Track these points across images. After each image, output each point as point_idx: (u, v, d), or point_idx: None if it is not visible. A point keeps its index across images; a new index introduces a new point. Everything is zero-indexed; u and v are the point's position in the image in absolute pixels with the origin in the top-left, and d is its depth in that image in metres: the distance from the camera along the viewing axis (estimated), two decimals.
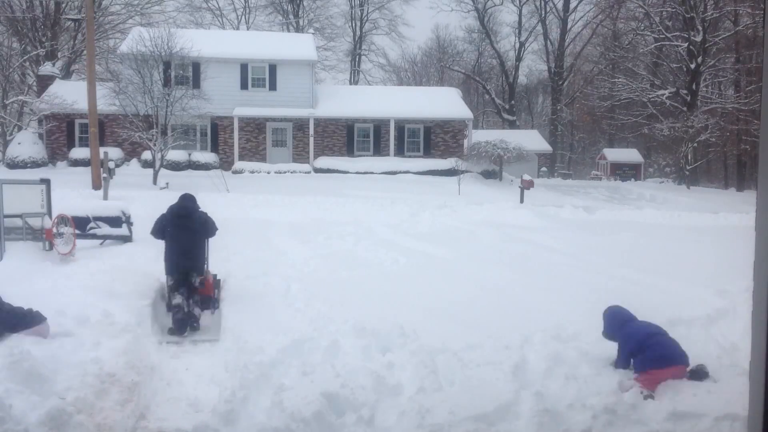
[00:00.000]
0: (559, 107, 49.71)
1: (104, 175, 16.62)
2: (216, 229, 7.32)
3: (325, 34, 51.30)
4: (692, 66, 35.03)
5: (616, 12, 43.60)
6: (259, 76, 28.78)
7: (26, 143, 26.44)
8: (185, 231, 6.97)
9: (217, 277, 7.53)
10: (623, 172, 41.65)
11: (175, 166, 25.92)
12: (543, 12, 51.15)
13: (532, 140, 39.94)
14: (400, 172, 27.30)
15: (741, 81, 38.23)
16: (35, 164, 25.79)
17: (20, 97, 31.12)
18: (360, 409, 4.30)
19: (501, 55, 52.50)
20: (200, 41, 26.33)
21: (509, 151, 27.46)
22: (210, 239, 7.40)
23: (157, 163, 22.88)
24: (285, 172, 26.99)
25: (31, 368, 4.32)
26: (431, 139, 30.10)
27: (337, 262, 9.50)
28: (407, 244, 11.51)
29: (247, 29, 49.54)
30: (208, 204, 8.76)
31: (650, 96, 36.77)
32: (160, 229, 7.09)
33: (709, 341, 5.73)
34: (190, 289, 6.74)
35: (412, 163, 28.16)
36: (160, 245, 7.07)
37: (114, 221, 10.51)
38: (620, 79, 39.43)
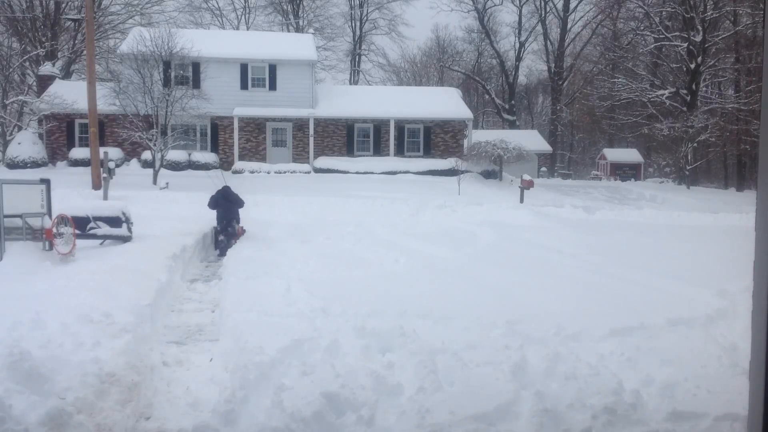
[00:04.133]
0: (559, 107, 49.70)
1: (104, 175, 16.63)
2: (243, 203, 12.67)
3: (325, 34, 51.31)
4: (692, 66, 35.02)
5: (616, 12, 43.59)
6: (259, 76, 28.77)
7: (26, 143, 26.44)
8: (226, 203, 12.33)
9: (243, 227, 12.47)
10: (623, 172, 41.66)
11: (175, 166, 25.93)
12: (543, 12, 51.18)
13: (532, 140, 39.95)
14: (400, 172, 27.29)
15: (741, 81, 38.21)
16: (35, 164, 25.79)
17: (20, 97, 31.11)
18: (360, 409, 4.30)
19: (501, 55, 52.51)
20: (200, 41, 26.34)
21: (509, 151, 27.45)
22: (240, 209, 12.60)
23: (157, 163, 22.88)
24: (285, 172, 27.00)
25: (31, 368, 4.32)
26: (431, 139, 30.10)
27: (337, 262, 9.50)
28: (407, 244, 11.51)
29: (247, 29, 49.55)
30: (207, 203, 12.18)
31: (650, 96, 36.75)
32: (214, 203, 12.41)
33: (709, 341, 5.73)
34: (228, 234, 11.95)
35: (412, 163, 28.16)
36: (160, 245, 7.64)
37: (114, 221, 10.51)
38: (620, 79, 39.41)
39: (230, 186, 12.88)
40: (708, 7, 35.14)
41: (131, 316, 6.06)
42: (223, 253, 11.36)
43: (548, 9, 51.10)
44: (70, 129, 27.89)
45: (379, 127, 29.58)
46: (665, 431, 4.17)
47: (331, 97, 30.83)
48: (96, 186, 18.46)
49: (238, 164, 27.52)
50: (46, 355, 4.62)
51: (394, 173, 27.20)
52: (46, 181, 9.79)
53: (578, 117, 51.03)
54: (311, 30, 38.26)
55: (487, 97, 54.48)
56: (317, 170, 27.77)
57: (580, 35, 51.08)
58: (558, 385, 4.70)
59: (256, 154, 28.84)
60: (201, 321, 7.00)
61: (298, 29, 47.81)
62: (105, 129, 26.76)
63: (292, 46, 30.45)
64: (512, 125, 49.64)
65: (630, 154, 44.11)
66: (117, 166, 23.38)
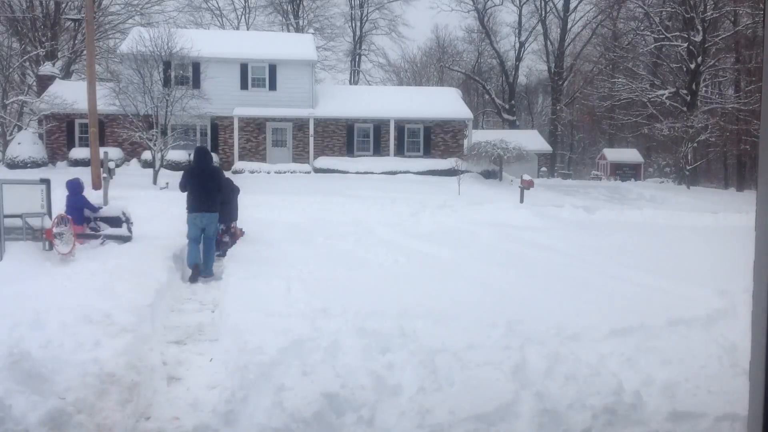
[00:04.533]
0: (559, 107, 49.70)
1: (104, 175, 16.60)
2: (239, 189, 11.99)
3: (325, 34, 51.34)
4: (692, 66, 35.04)
5: (616, 12, 43.61)
6: (259, 76, 28.78)
7: (26, 143, 26.45)
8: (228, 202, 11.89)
9: (242, 229, 11.96)
10: (623, 172, 41.66)
11: (175, 166, 25.92)
12: (543, 12, 51.20)
13: (532, 140, 39.97)
14: (400, 172, 27.31)
15: (741, 81, 38.22)
16: (35, 164, 25.80)
17: (20, 97, 31.13)
18: (360, 409, 4.30)
19: (501, 55, 52.53)
20: (200, 41, 26.36)
21: (509, 151, 27.47)
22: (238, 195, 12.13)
23: (157, 163, 22.89)
24: (285, 172, 27.00)
25: (31, 368, 4.32)
26: (431, 139, 30.11)
27: (337, 262, 9.49)
28: (407, 244, 11.50)
29: (247, 29, 49.56)
30: None
31: (650, 96, 36.77)
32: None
33: (709, 341, 5.73)
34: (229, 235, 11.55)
35: (412, 163, 28.17)
36: (161, 245, 7.74)
37: (114, 221, 10.52)
38: (620, 79, 39.43)
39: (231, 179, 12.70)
40: (708, 7, 35.15)
41: (131, 316, 6.05)
42: (223, 254, 11.35)
43: (548, 9, 51.16)
44: (70, 129, 27.90)
45: (379, 127, 29.58)
46: (665, 431, 4.17)
47: (331, 97, 30.84)
48: (96, 186, 18.45)
49: (238, 164, 27.52)
50: (47, 356, 4.62)
51: (394, 173, 27.21)
52: (46, 181, 9.78)
53: (578, 117, 51.06)
54: (311, 30, 38.30)
55: (487, 97, 54.49)
56: (317, 170, 27.77)
57: (580, 35, 51.13)
58: (558, 385, 4.70)
59: (256, 154, 28.84)
60: (201, 321, 7.00)
61: (298, 29, 47.81)
62: (105, 129, 26.77)
63: (292, 46, 30.46)
64: (512, 125, 49.64)
65: (630, 154, 44.10)
66: (117, 166, 23.39)
